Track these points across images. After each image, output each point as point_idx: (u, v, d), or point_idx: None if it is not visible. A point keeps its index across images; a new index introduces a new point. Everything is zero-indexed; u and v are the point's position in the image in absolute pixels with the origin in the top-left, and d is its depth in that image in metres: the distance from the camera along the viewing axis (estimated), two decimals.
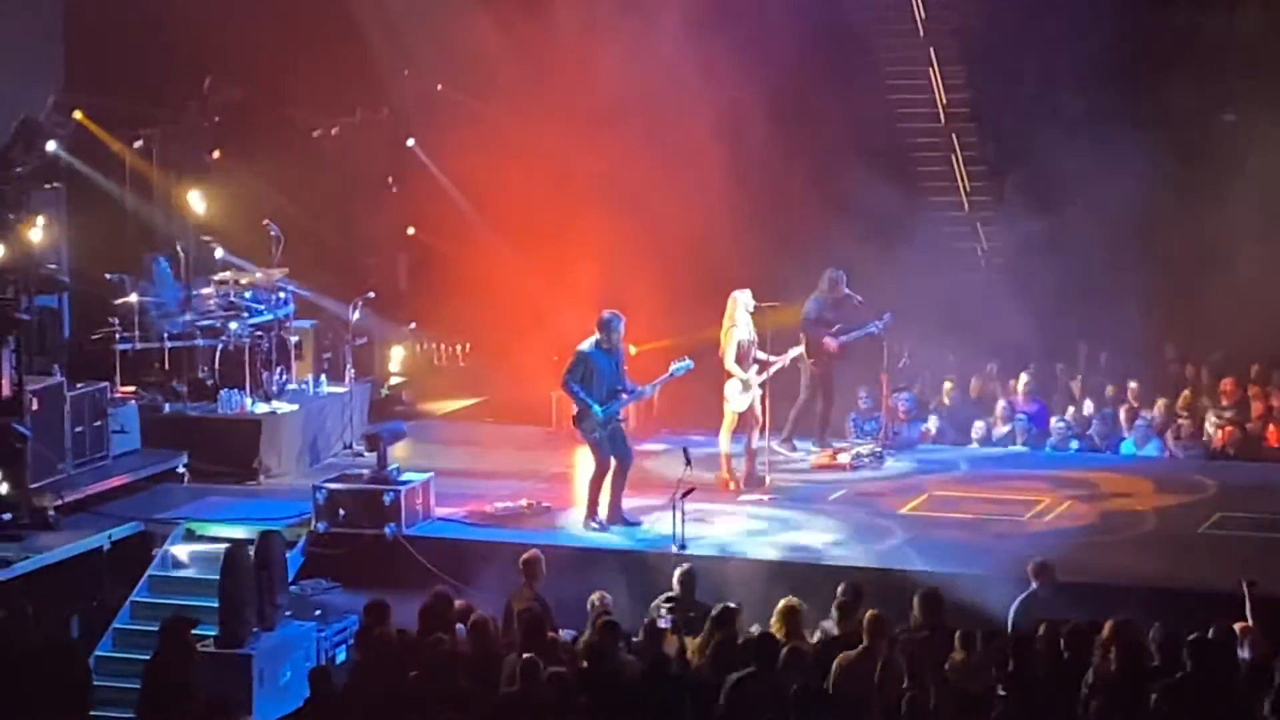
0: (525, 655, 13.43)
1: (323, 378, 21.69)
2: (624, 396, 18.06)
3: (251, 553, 16.14)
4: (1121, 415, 22.33)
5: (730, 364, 19.02)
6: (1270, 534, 17.66)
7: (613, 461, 18.08)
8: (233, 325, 20.71)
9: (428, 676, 13.57)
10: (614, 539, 17.83)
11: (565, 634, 14.71)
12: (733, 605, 14.47)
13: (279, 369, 21.07)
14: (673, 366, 18.34)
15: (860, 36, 26.01)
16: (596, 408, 17.85)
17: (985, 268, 25.85)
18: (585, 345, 17.98)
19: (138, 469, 19.63)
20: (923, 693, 12.66)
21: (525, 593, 15.44)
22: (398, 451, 19.18)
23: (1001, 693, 12.94)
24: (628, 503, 18.27)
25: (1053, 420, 22.22)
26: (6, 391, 18.21)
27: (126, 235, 22.53)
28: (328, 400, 21.37)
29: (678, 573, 15.51)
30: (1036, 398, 22.95)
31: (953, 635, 13.54)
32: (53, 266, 21.32)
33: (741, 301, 19.13)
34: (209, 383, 20.85)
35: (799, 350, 19.87)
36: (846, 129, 24.03)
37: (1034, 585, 15.05)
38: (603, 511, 18.12)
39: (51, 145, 21.41)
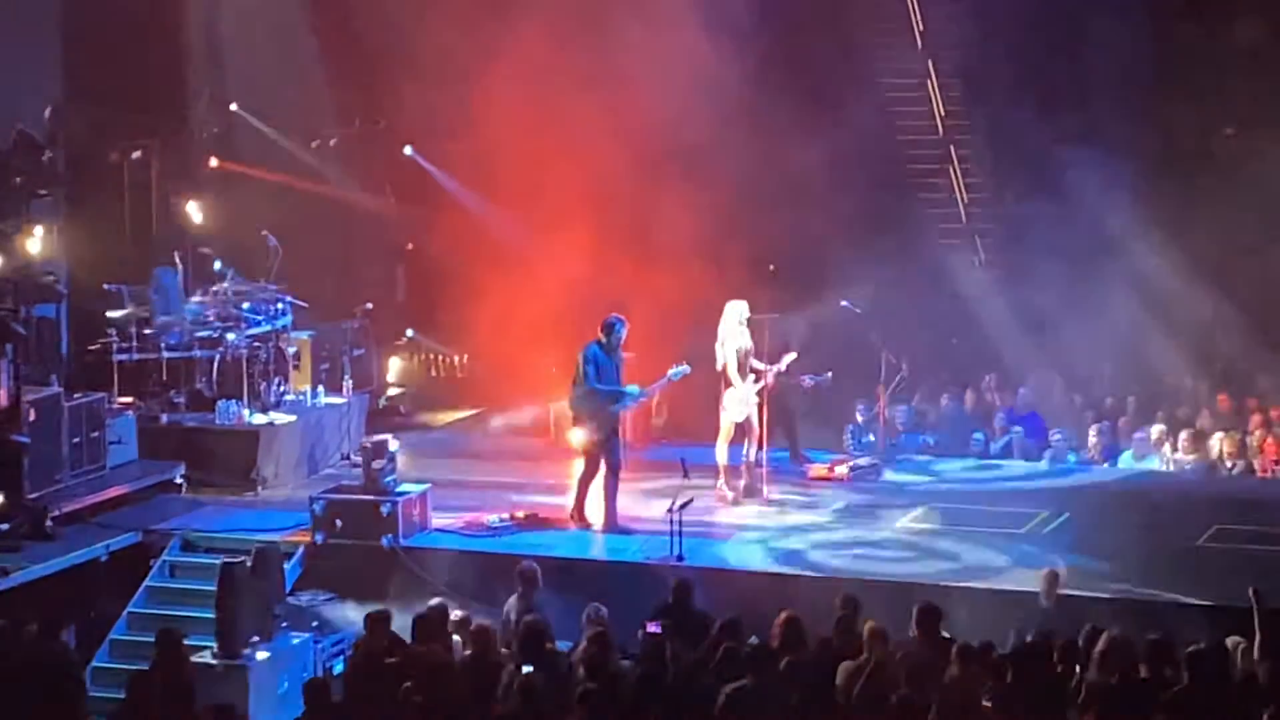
0: (523, 669, 13.43)
1: (320, 389, 21.67)
2: (625, 398, 18.29)
3: (249, 564, 16.14)
4: (1120, 428, 22.34)
5: (733, 374, 19.02)
6: (1268, 547, 17.66)
7: (604, 466, 18.23)
8: (230, 336, 20.71)
9: (424, 687, 13.56)
10: (610, 549, 17.84)
11: (561, 645, 14.70)
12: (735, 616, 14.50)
13: (276, 380, 21.07)
14: (670, 371, 18.53)
15: (859, 48, 26.02)
16: (632, 388, 18.32)
17: (983, 278, 25.84)
18: (590, 347, 18.27)
19: (135, 480, 19.62)
20: (921, 707, 12.65)
21: (522, 604, 15.44)
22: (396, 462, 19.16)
23: (987, 703, 12.94)
24: (624, 511, 18.37)
25: (1051, 433, 22.22)
26: (4, 402, 18.19)
27: (125, 246, 22.53)
28: (325, 411, 21.35)
29: (673, 582, 15.55)
30: (1034, 410, 22.96)
31: (950, 648, 13.52)
32: (50, 277, 21.31)
33: (736, 312, 19.13)
34: (207, 394, 20.85)
35: (792, 356, 19.83)
36: (844, 141, 24.03)
37: (1041, 595, 15.08)
38: (597, 519, 18.29)
39: (47, 155, 21.40)
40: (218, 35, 22.90)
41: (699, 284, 20.93)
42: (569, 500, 18.65)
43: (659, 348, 19.28)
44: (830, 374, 20.40)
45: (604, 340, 18.24)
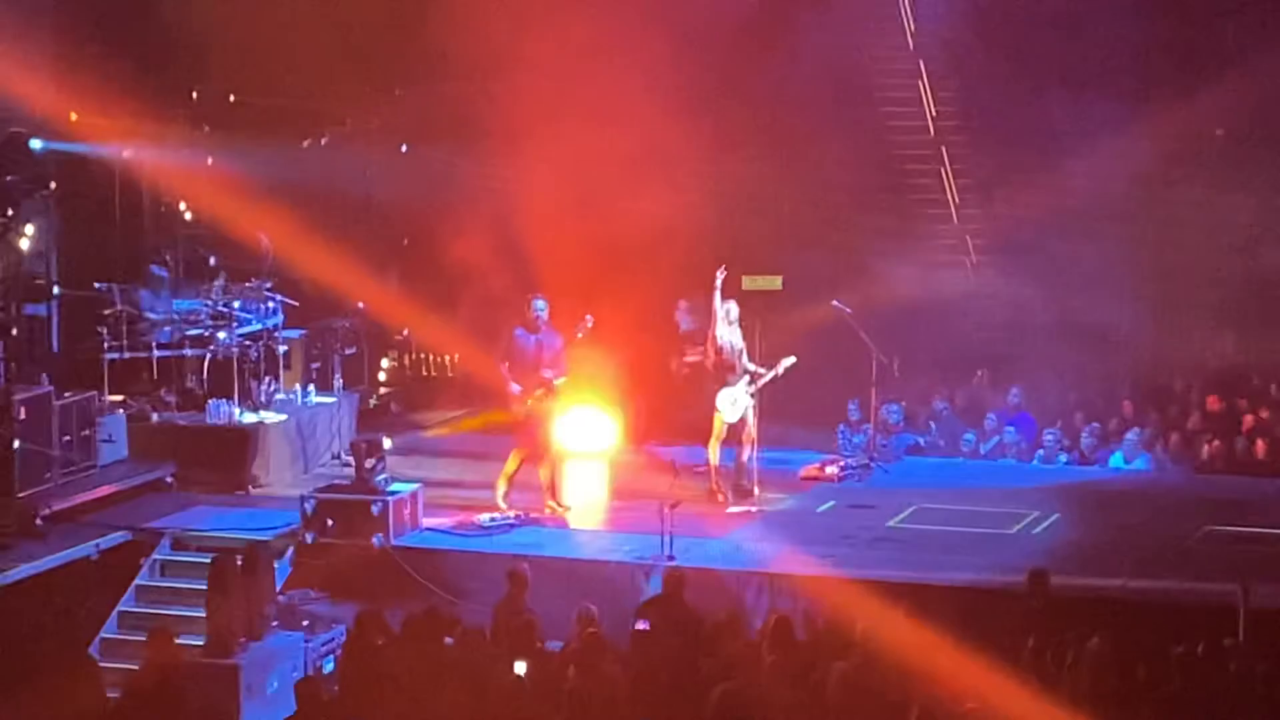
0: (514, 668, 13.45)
1: (311, 388, 21.65)
2: (547, 374, 18.65)
3: (239, 562, 16.13)
4: (1111, 428, 22.34)
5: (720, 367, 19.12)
6: (1259, 547, 17.67)
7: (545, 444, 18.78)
8: (221, 335, 20.71)
9: (415, 687, 13.56)
10: (601, 549, 17.84)
11: (552, 645, 14.71)
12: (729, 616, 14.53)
13: (267, 379, 21.05)
14: (579, 329, 18.91)
15: (849, 49, 26.02)
16: (514, 385, 18.59)
17: (974, 279, 25.87)
18: (514, 330, 18.74)
19: (126, 478, 19.61)
20: (914, 708, 12.67)
21: (513, 604, 15.45)
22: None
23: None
24: (618, 513, 18.52)
25: (1042, 433, 22.22)
26: None
27: (116, 244, 22.50)
28: (316, 410, 21.34)
29: (663, 573, 15.59)
30: (1025, 410, 22.96)
31: (943, 649, 13.53)
32: (41, 276, 21.30)
33: (725, 312, 19.12)
34: (198, 392, 20.84)
35: (791, 360, 19.80)
36: (836, 141, 24.06)
37: (1031, 596, 15.10)
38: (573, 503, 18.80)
39: (37, 144, 21.38)
40: (211, 32, 22.86)
41: (691, 287, 20.95)
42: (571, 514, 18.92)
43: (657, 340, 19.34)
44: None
45: (524, 322, 18.60)
